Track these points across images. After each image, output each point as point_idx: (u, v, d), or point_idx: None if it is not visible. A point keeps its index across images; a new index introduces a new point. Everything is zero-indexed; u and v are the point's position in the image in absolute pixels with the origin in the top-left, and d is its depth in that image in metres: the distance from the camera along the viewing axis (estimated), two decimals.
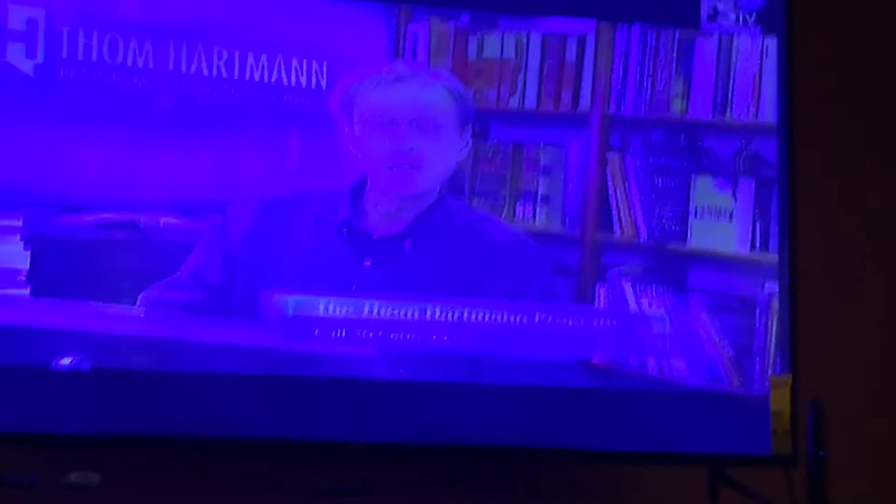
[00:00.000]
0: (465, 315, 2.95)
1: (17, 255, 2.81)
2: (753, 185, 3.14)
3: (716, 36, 3.17)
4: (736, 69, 3.17)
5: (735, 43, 3.18)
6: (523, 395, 2.98)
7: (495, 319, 2.96)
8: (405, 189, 2.96)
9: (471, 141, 3.01)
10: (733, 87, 3.16)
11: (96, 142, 2.85)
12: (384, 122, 2.94)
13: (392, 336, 2.92)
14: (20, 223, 2.82)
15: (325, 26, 3.00)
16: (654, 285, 3.08)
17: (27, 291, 2.80)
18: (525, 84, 3.09)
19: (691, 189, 3.13)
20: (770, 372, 3.09)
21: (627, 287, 3.07)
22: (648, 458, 3.06)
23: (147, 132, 2.88)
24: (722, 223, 3.13)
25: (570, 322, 3.01)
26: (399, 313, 2.92)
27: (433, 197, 2.98)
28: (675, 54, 3.15)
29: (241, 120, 2.94)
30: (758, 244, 3.14)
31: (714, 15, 3.18)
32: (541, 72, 3.10)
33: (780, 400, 3.07)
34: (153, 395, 2.83)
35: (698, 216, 3.12)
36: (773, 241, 3.14)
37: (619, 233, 3.09)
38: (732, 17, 3.18)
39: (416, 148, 2.93)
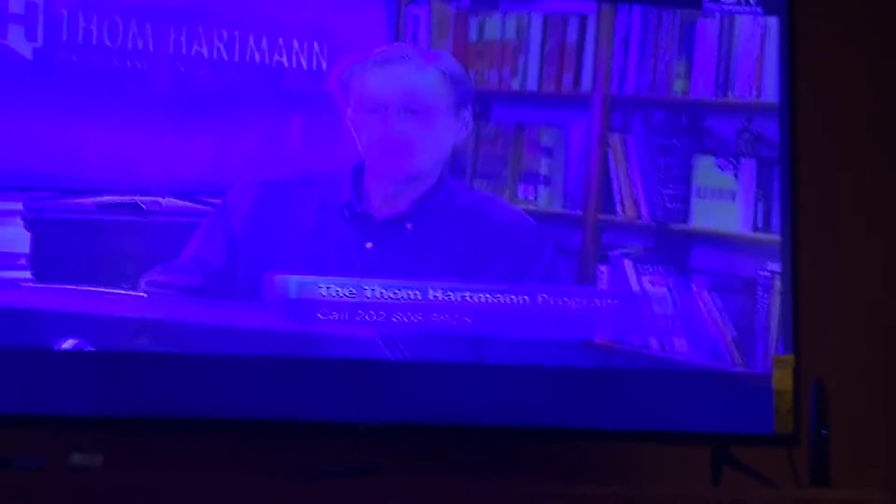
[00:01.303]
0: (468, 296, 2.95)
1: (19, 238, 2.82)
2: (755, 165, 3.14)
3: (717, 16, 3.17)
4: (737, 49, 3.17)
5: (736, 23, 3.17)
6: (526, 375, 2.98)
7: (497, 300, 2.96)
8: (397, 172, 2.96)
9: (471, 122, 3.01)
10: (735, 68, 3.16)
11: (97, 124, 2.86)
12: (375, 106, 2.94)
13: (394, 317, 2.92)
14: (21, 206, 2.83)
15: (326, 8, 3.00)
16: (655, 265, 3.08)
17: (29, 274, 2.82)
18: (526, 65, 3.09)
19: (693, 169, 3.12)
20: (772, 351, 3.09)
21: (629, 267, 3.07)
22: (651, 437, 3.07)
23: (148, 115, 2.88)
24: (724, 203, 3.13)
25: (573, 302, 3.01)
26: (401, 295, 2.93)
27: (433, 179, 2.98)
28: (676, 35, 3.15)
29: (243, 102, 2.94)
30: (760, 224, 3.13)
31: None
32: (542, 53, 3.10)
33: (782, 379, 3.07)
34: (156, 376, 2.84)
35: (700, 196, 3.12)
36: (775, 221, 3.13)
37: (620, 213, 3.09)
38: None
39: (405, 131, 2.93)
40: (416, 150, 2.95)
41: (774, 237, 3.13)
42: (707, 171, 3.13)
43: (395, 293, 2.92)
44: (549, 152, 3.09)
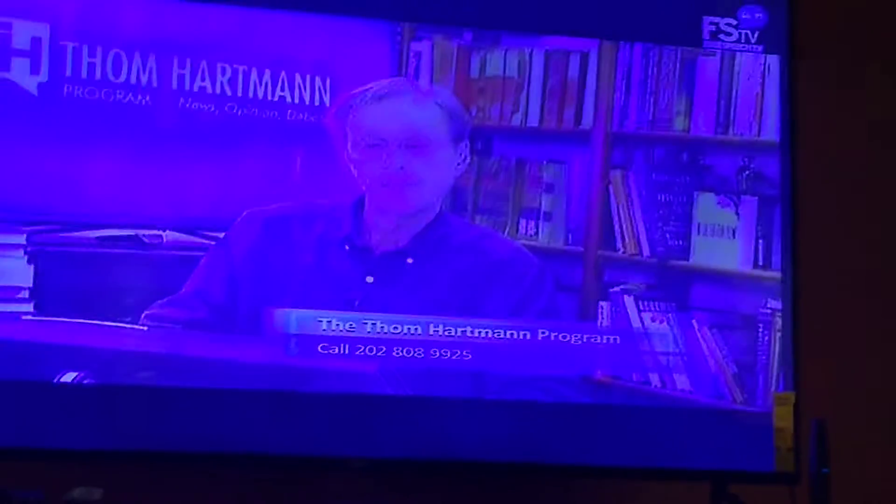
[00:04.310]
0: (467, 331, 2.95)
1: (21, 271, 2.82)
2: (756, 202, 3.15)
3: (718, 54, 3.18)
4: (738, 87, 3.18)
5: (737, 61, 3.19)
6: (526, 411, 2.98)
7: (497, 336, 2.96)
8: (400, 207, 2.97)
9: (468, 155, 3.02)
10: (735, 105, 3.17)
11: (100, 158, 2.87)
12: (375, 141, 2.95)
13: (394, 352, 2.92)
14: (24, 239, 2.83)
15: (328, 44, 3.01)
16: (656, 302, 3.09)
17: (31, 307, 2.82)
18: (528, 101, 3.11)
19: (694, 206, 3.13)
20: (773, 389, 3.09)
21: (630, 303, 3.07)
22: (651, 474, 3.06)
23: (151, 149, 2.89)
24: (725, 240, 3.13)
25: (573, 338, 3.01)
26: (401, 329, 2.93)
27: (433, 213, 2.99)
28: (677, 72, 3.16)
29: (245, 137, 2.95)
30: (760, 261, 3.14)
31: (716, 33, 3.19)
32: (543, 89, 3.11)
33: (783, 417, 3.06)
34: (156, 410, 2.84)
35: (701, 233, 3.12)
36: (776, 259, 3.14)
37: (621, 249, 3.10)
38: (734, 35, 3.20)
39: (407, 166, 2.94)
40: (418, 184, 2.96)
41: (775, 274, 3.13)
42: (708, 208, 3.13)
43: (395, 328, 2.92)
44: (550, 188, 3.09)
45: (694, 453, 3.04)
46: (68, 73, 2.87)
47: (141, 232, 2.89)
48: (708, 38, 3.19)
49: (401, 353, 2.92)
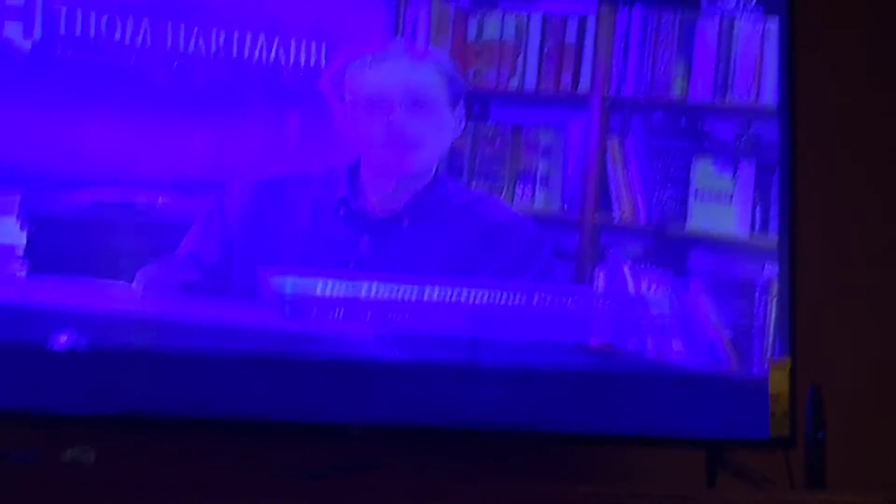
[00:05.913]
0: (463, 296, 2.95)
1: (14, 233, 2.82)
2: (754, 167, 3.14)
3: (717, 17, 3.16)
4: (737, 51, 3.16)
5: (736, 25, 3.17)
6: (521, 377, 2.98)
7: (493, 300, 2.96)
8: (401, 169, 2.95)
9: (464, 119, 3.01)
10: (734, 70, 3.15)
11: (94, 120, 2.86)
12: (376, 103, 2.93)
13: (390, 316, 2.92)
14: (17, 200, 2.83)
15: (324, 6, 3.00)
16: (653, 267, 3.08)
17: (24, 269, 2.82)
18: (525, 65, 3.09)
19: (691, 171, 3.12)
20: (769, 355, 3.09)
21: (626, 269, 3.07)
22: (646, 441, 3.06)
23: (145, 111, 2.89)
24: (722, 206, 3.12)
25: (569, 303, 3.00)
26: (397, 293, 2.92)
27: (429, 177, 2.98)
28: (675, 36, 3.14)
29: (240, 99, 2.94)
30: (758, 227, 3.13)
31: None
32: (541, 53, 3.10)
33: (779, 383, 3.06)
34: (150, 374, 2.84)
35: (698, 198, 3.11)
36: (773, 224, 3.13)
37: (618, 215, 3.09)
38: None
39: (410, 127, 2.93)
40: (421, 146, 2.95)
41: (772, 240, 3.12)
42: (705, 173, 3.12)
43: (390, 292, 2.92)
44: (547, 153, 3.08)
45: (689, 420, 3.04)
46: (62, 32, 2.85)
47: (135, 194, 2.88)
48: (707, 0, 3.17)
49: (396, 318, 2.92)
